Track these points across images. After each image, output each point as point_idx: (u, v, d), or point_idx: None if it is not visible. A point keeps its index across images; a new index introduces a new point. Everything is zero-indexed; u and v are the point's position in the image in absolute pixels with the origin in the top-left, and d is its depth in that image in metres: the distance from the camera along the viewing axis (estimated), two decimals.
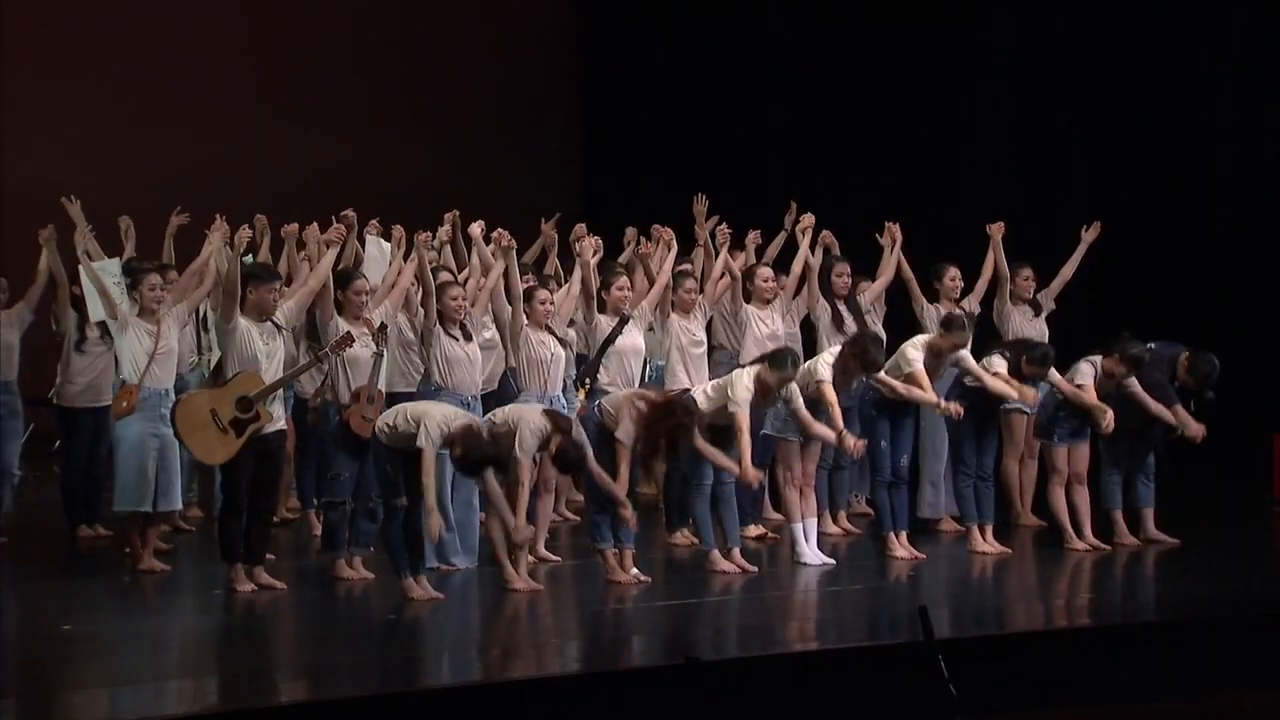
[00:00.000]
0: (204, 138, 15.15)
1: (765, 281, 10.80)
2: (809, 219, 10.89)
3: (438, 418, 8.66)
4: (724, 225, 10.88)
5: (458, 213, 10.94)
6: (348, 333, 9.03)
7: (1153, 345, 10.61)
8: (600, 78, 17.10)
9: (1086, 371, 10.28)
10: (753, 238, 11.13)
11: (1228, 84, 14.24)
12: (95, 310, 9.57)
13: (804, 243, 10.85)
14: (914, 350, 10.01)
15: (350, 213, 10.77)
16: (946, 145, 15.15)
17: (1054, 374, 10.23)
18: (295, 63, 15.84)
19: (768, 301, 10.78)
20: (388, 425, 8.78)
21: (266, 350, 8.96)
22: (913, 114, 15.10)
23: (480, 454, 8.60)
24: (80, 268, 9.59)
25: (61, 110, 14.79)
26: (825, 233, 11.12)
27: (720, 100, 16.02)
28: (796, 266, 10.89)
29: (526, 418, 8.92)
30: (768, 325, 10.70)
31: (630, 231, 11.70)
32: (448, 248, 10.88)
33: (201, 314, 10.36)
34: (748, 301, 10.76)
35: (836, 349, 10.06)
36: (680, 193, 11.89)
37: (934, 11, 15.08)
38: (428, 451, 8.60)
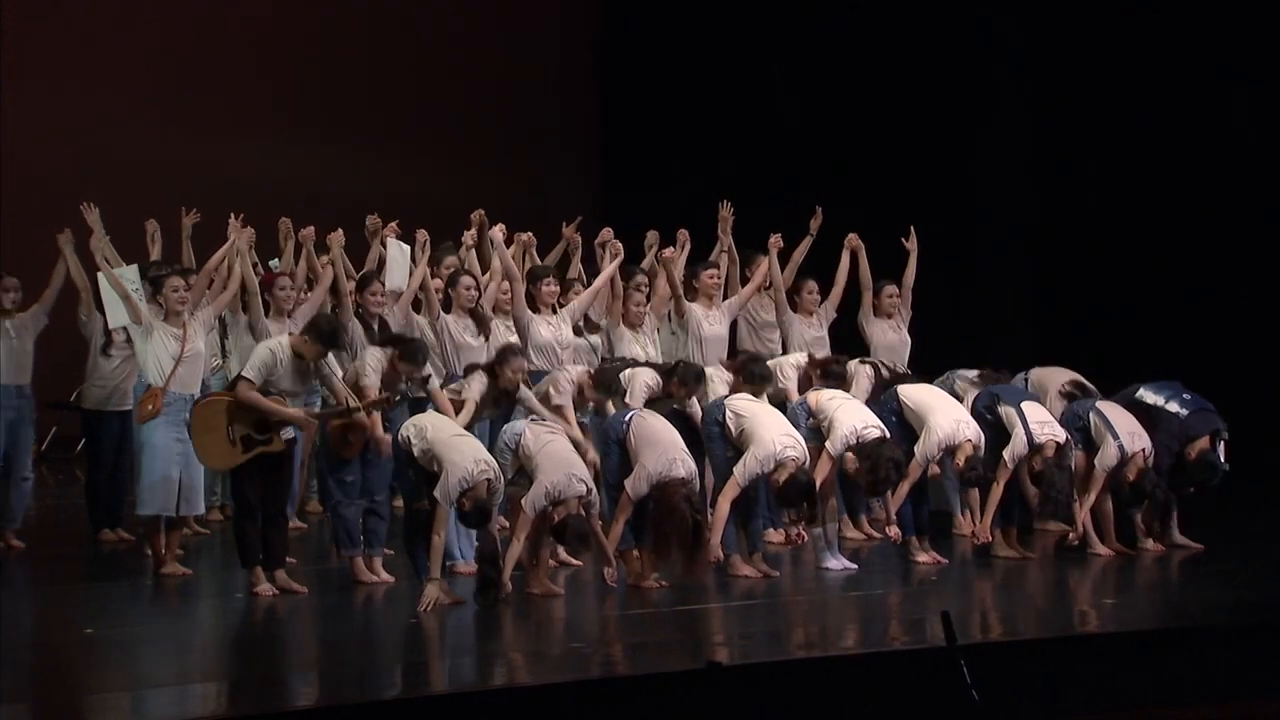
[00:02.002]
0: (223, 144, 15.17)
1: (810, 294, 11.23)
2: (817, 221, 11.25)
3: (461, 471, 8.53)
4: (777, 236, 11.09)
5: (483, 211, 11.01)
6: (388, 396, 8.97)
7: (1188, 398, 10.59)
8: (621, 83, 17.10)
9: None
10: (775, 241, 11.15)
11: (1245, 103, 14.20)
12: (116, 316, 9.59)
13: (863, 261, 11.24)
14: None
15: (375, 217, 10.88)
16: (964, 150, 15.12)
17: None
18: (316, 69, 15.86)
19: (811, 312, 11.21)
20: (413, 440, 8.75)
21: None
22: (933, 120, 15.08)
23: (485, 514, 8.57)
24: (100, 274, 9.61)
25: (76, 112, 14.82)
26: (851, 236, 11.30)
27: (741, 104, 16.02)
28: (841, 277, 11.26)
29: (548, 474, 8.74)
30: (813, 331, 11.15)
31: (651, 235, 11.68)
32: (472, 252, 10.91)
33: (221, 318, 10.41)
34: (793, 310, 11.19)
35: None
36: (701, 196, 11.90)
37: (955, 13, 15.06)
38: (442, 508, 8.56)
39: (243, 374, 8.83)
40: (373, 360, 9.06)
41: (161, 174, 14.29)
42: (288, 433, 8.92)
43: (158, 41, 15.27)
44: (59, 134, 14.75)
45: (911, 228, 11.53)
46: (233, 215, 9.73)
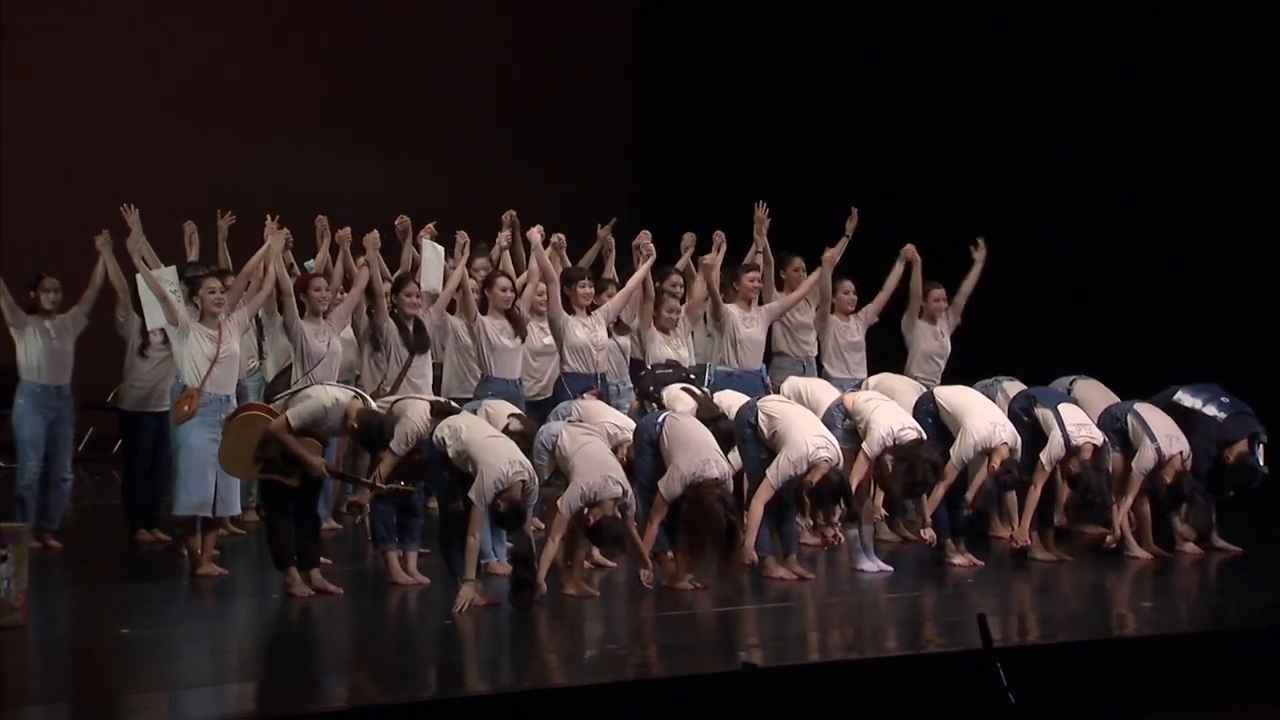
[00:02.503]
0: (260, 147, 15.22)
1: (847, 294, 11.27)
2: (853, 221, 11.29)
3: (496, 473, 8.53)
4: (832, 252, 11.18)
5: (514, 212, 11.06)
6: (409, 489, 8.96)
7: (1227, 401, 10.54)
8: (657, 83, 17.10)
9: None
10: (829, 256, 11.16)
11: None
12: (154, 318, 9.63)
13: (916, 273, 11.31)
14: None
15: (404, 218, 10.92)
16: (1000, 150, 15.07)
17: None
18: (352, 72, 15.89)
19: (849, 313, 11.25)
20: (448, 441, 8.77)
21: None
22: (970, 120, 15.03)
23: (520, 516, 8.57)
24: (138, 275, 9.66)
25: (114, 114, 14.88)
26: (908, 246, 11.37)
27: (778, 106, 15.99)
28: (890, 284, 11.35)
29: (584, 475, 8.75)
30: (849, 336, 11.23)
31: (688, 237, 11.66)
32: (506, 253, 10.93)
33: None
34: (831, 313, 11.25)
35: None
36: (736, 198, 11.90)
37: (991, 13, 15.02)
38: (477, 509, 8.56)
39: (288, 414, 8.86)
40: (410, 431, 8.99)
41: (198, 176, 14.34)
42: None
43: (195, 44, 15.33)
44: (97, 135, 14.82)
45: (981, 240, 11.51)
46: (269, 217, 9.77)
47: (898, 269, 11.34)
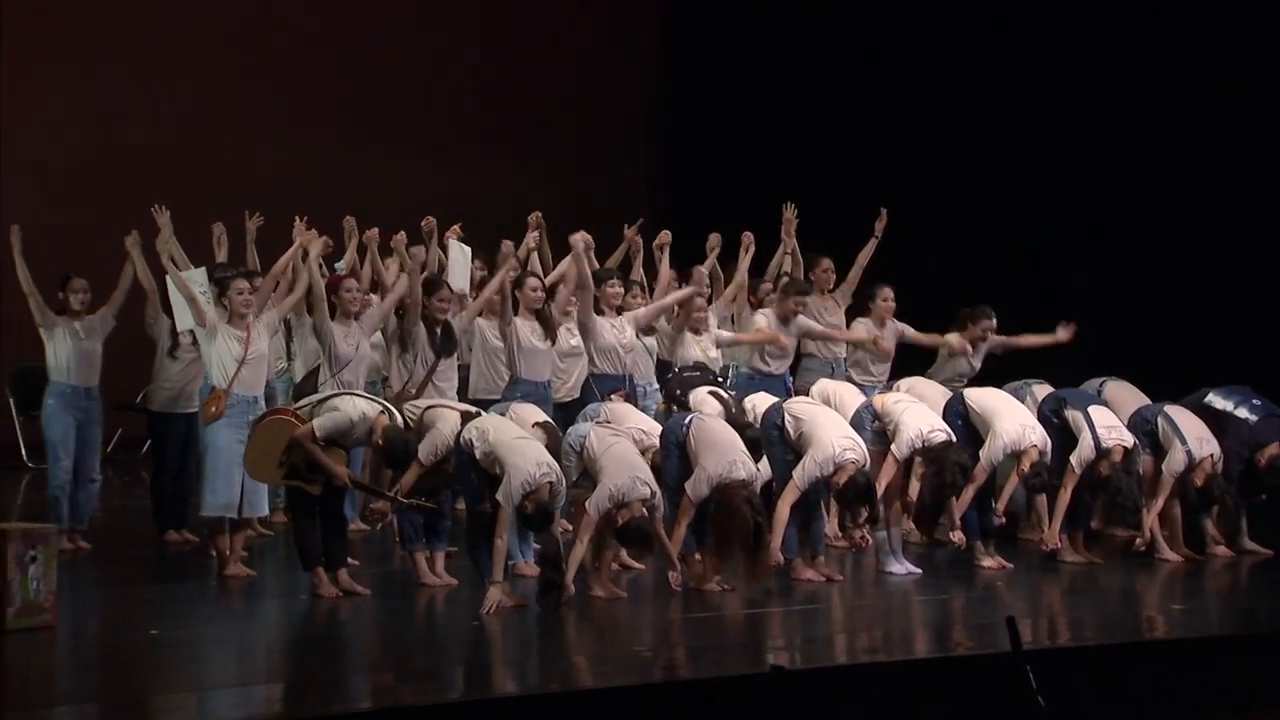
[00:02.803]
0: (288, 148, 15.25)
1: (885, 301, 11.39)
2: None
3: (523, 475, 8.53)
4: (864, 250, 11.32)
5: (540, 214, 11.09)
6: (432, 505, 8.95)
7: (1258, 403, 10.51)
8: (684, 82, 17.09)
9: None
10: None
11: None
12: (183, 319, 9.66)
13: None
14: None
15: (430, 219, 10.95)
16: (1028, 151, 15.03)
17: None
18: (379, 72, 15.91)
19: (884, 319, 11.41)
20: (475, 443, 8.78)
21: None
22: (996, 119, 15.00)
23: (548, 517, 8.57)
24: (167, 277, 9.69)
25: (142, 114, 14.92)
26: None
27: (808, 103, 15.97)
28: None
29: (611, 476, 8.74)
30: (884, 343, 11.38)
31: (714, 238, 11.65)
32: (533, 255, 10.95)
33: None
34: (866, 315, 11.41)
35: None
36: (763, 198, 11.91)
37: (1022, 15, 14.98)
38: (504, 511, 8.57)
39: (314, 423, 8.88)
40: (440, 442, 8.98)
41: (227, 177, 14.37)
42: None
43: (226, 45, 15.37)
44: (126, 136, 14.86)
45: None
46: (298, 218, 9.81)
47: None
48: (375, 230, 10.45)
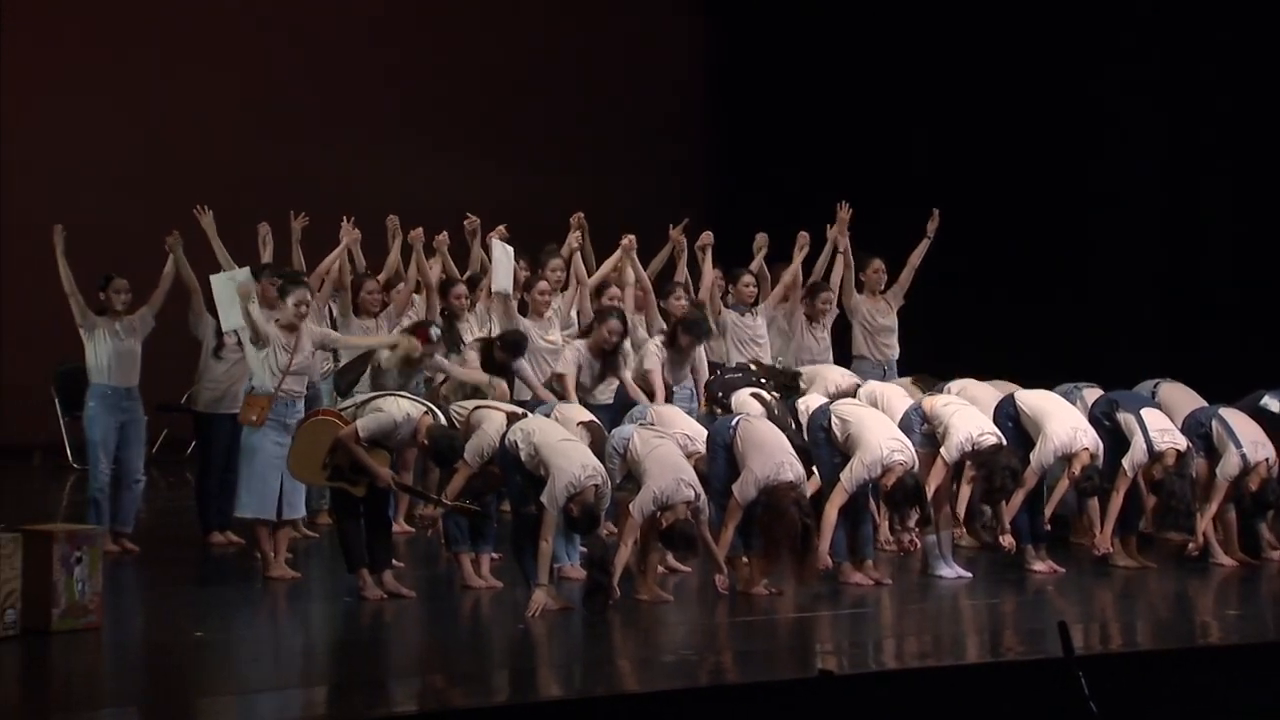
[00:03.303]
0: (334, 149, 15.30)
1: (876, 273, 11.49)
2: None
3: (568, 477, 8.53)
4: (917, 251, 11.41)
5: (582, 214, 11.19)
6: (476, 508, 8.97)
7: None
8: (733, 84, 17.06)
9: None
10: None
11: None
12: (229, 319, 9.69)
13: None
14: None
15: (473, 218, 11.02)
16: (1083, 149, 14.94)
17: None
18: (424, 73, 15.94)
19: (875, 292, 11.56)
20: (520, 445, 8.78)
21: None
22: (1051, 118, 14.92)
23: (594, 520, 8.57)
24: (212, 277, 9.73)
25: (185, 114, 14.99)
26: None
27: (855, 105, 15.92)
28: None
29: (656, 478, 8.73)
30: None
31: (761, 238, 11.66)
32: (577, 254, 11.00)
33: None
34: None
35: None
36: (813, 198, 11.90)
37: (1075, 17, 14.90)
38: (549, 513, 8.56)
39: (357, 424, 8.90)
40: (485, 443, 8.99)
41: (271, 178, 14.41)
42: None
43: (271, 46, 15.41)
44: (170, 135, 14.93)
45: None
46: (345, 219, 9.89)
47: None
48: (419, 230, 10.51)
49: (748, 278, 11.19)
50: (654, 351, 10.23)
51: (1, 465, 13.57)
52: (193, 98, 15.03)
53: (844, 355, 11.54)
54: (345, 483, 8.93)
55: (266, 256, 10.72)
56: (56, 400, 13.70)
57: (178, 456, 13.46)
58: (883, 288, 11.56)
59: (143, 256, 10.74)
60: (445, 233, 10.92)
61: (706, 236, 11.29)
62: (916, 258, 11.61)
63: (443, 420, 9.04)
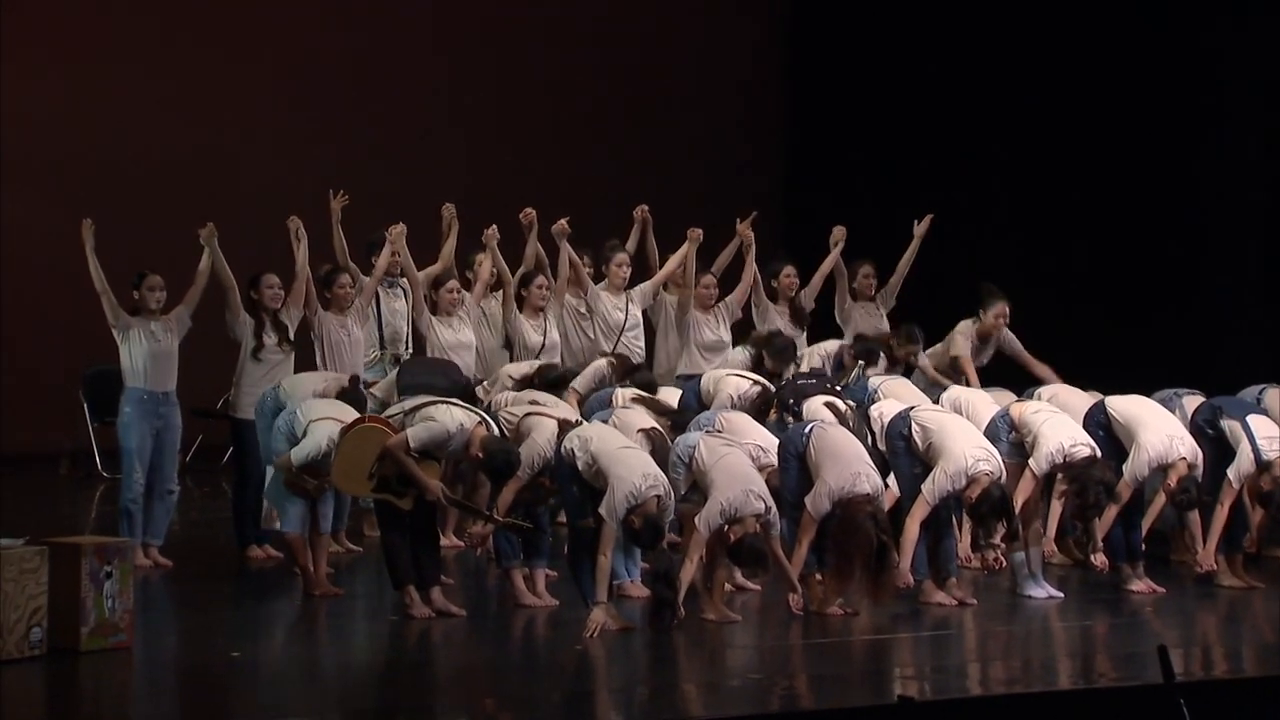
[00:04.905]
0: (375, 140, 15.35)
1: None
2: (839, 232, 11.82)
3: (628, 487, 8.50)
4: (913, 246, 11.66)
5: (646, 206, 11.55)
6: (522, 524, 8.98)
7: None
8: (806, 76, 17.06)
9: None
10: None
11: None
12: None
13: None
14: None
15: (530, 212, 11.16)
16: (1187, 149, 14.82)
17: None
18: (489, 65, 15.97)
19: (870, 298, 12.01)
20: (577, 453, 8.75)
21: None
22: (1151, 117, 14.81)
23: (657, 533, 8.53)
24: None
25: (215, 115, 15.07)
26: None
27: (928, 103, 15.87)
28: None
29: (723, 489, 8.68)
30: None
31: (838, 231, 11.85)
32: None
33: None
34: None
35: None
36: (883, 192, 11.97)
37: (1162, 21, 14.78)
38: (608, 526, 8.52)
39: (408, 433, 8.90)
40: (536, 454, 9.01)
41: (311, 172, 14.46)
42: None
43: (305, 36, 15.47)
44: (199, 133, 14.99)
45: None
46: (389, 231, 10.52)
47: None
48: (494, 227, 10.90)
49: (788, 268, 11.63)
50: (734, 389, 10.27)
51: (27, 473, 13.67)
52: (220, 94, 15.07)
53: None
54: (392, 495, 8.91)
55: (301, 254, 10.68)
56: (85, 404, 13.77)
57: (213, 465, 13.52)
58: (873, 293, 11.89)
59: (177, 256, 10.81)
60: (494, 226, 11.02)
61: (747, 234, 11.56)
62: (905, 263, 11.87)
63: (496, 431, 9.03)
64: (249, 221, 11.67)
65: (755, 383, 10.31)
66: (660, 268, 11.65)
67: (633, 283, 11.47)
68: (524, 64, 16.02)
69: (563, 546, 9.29)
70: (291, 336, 10.44)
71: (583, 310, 11.29)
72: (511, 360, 10.97)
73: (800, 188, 16.43)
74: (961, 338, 11.42)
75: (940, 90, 15.77)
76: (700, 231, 11.35)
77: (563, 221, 11.02)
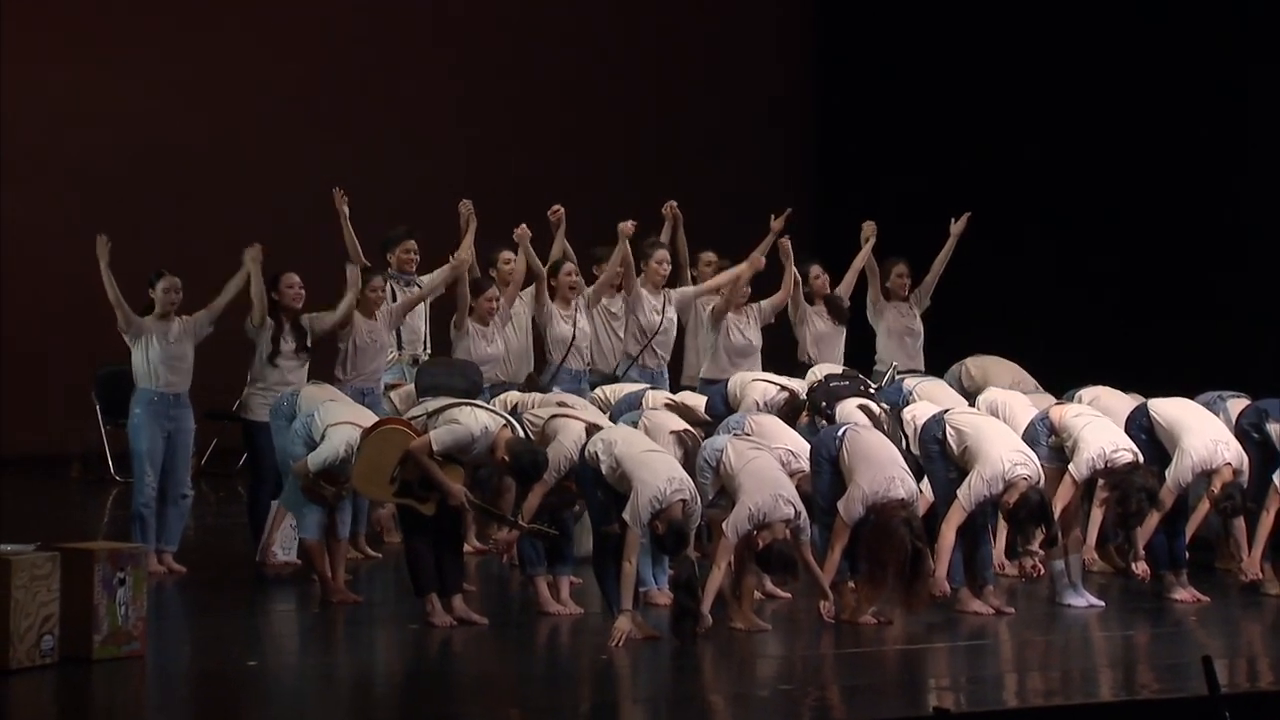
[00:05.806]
0: (398, 141, 15.39)
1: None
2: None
3: (652, 491, 8.50)
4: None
5: (675, 203, 11.68)
6: (547, 530, 9.00)
7: None
8: (837, 74, 17.06)
9: None
10: None
11: None
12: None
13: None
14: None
15: (559, 210, 11.17)
16: (1230, 142, 14.78)
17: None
18: (515, 67, 16.02)
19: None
20: (600, 456, 8.76)
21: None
22: (1189, 121, 14.77)
23: (683, 539, 8.53)
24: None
25: (243, 115, 15.11)
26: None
27: (960, 100, 15.85)
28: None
29: (751, 494, 8.69)
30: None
31: (868, 226, 11.88)
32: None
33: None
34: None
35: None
36: (917, 185, 11.96)
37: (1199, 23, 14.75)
38: (633, 532, 8.53)
39: (431, 436, 8.92)
40: (562, 456, 9.06)
41: (335, 176, 14.51)
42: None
43: (329, 41, 15.52)
44: (207, 129, 15.03)
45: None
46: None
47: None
48: (524, 226, 11.00)
49: (815, 268, 11.67)
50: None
51: (38, 477, 13.73)
52: (247, 93, 15.11)
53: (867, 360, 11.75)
54: (414, 499, 8.93)
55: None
56: (97, 406, 13.80)
57: (228, 469, 13.55)
58: (906, 293, 11.87)
59: (192, 257, 10.86)
60: (525, 225, 11.08)
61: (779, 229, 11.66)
62: (940, 261, 11.84)
63: (521, 434, 9.04)
64: (257, 218, 11.67)
65: (782, 388, 10.32)
66: (690, 264, 11.75)
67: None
68: (544, 60, 16.04)
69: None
70: (309, 344, 10.46)
71: (614, 310, 11.29)
72: (540, 358, 11.04)
73: (830, 186, 16.43)
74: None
75: (974, 88, 15.76)
76: (763, 260, 11.37)
77: (629, 223, 11.12)
